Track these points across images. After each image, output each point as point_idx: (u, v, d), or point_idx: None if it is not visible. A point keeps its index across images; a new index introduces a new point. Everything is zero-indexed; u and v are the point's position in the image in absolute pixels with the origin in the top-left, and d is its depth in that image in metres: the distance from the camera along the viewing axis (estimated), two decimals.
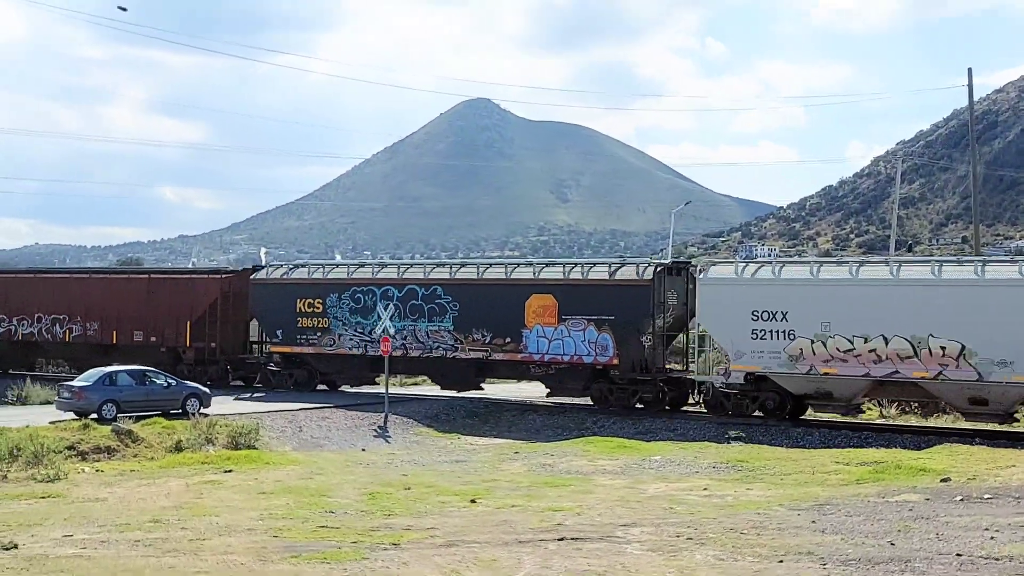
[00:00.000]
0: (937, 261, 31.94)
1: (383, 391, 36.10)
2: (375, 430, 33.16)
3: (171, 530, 18.02)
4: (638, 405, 35.15)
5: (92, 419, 30.04)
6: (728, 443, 29.15)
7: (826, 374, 31.00)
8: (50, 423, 29.35)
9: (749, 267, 33.83)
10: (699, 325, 34.32)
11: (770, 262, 35.62)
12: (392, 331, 36.65)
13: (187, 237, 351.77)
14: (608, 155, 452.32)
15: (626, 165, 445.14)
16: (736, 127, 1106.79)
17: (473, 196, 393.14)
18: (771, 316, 31.57)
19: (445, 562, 15.18)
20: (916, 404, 34.38)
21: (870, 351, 30.33)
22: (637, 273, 35.24)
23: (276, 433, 31.53)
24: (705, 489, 22.37)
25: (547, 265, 38.18)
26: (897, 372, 30.20)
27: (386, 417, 34.12)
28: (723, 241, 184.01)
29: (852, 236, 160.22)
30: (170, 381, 33.33)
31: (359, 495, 21.91)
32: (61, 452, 25.84)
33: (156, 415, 31.34)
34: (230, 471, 25.61)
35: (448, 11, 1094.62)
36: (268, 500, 21.36)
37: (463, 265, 40.35)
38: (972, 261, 31.03)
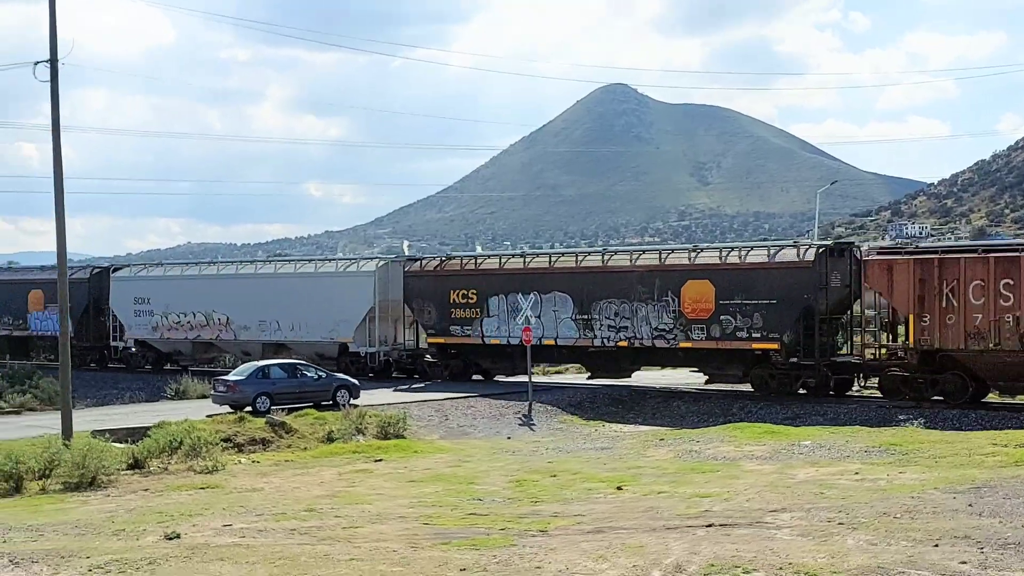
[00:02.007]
0: None
1: (538, 380, 36.23)
2: (520, 418, 33.43)
3: (325, 518, 18.50)
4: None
5: (247, 412, 31.00)
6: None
7: None
8: (207, 416, 30.37)
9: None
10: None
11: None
12: (533, 320, 36.86)
13: (333, 232, 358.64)
14: (749, 135, 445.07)
15: (768, 145, 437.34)
16: (883, 103, 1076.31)
17: (611, 182, 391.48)
18: None
19: (592, 548, 15.24)
20: None
21: None
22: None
23: (423, 422, 32.06)
24: (856, 473, 21.96)
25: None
26: None
27: (530, 405, 34.37)
28: (871, 220, 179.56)
29: (1007, 212, 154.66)
30: (320, 373, 34.16)
31: (506, 482, 22.14)
32: (218, 444, 26.69)
33: (308, 407, 32.16)
34: (380, 460, 26.16)
35: None
36: (418, 488, 21.75)
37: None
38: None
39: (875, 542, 15.01)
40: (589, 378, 39.69)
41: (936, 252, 32.62)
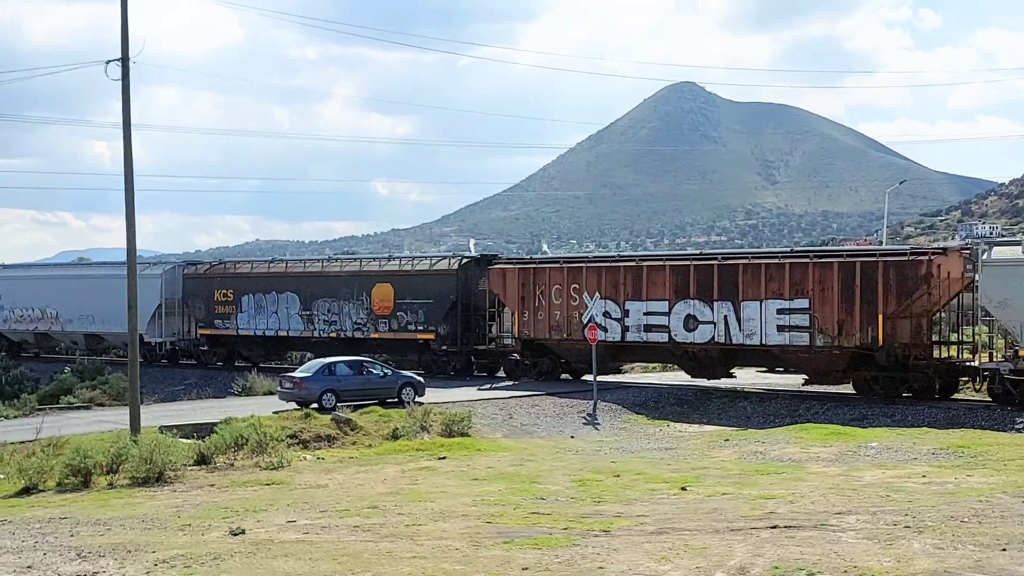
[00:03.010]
0: None
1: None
2: (584, 417, 33.36)
3: (388, 515, 18.58)
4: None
5: (313, 408, 31.24)
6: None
7: None
8: (274, 413, 30.65)
9: None
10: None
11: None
12: (599, 319, 36.78)
13: (399, 230, 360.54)
14: (817, 134, 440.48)
15: (836, 144, 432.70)
16: (954, 101, 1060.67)
17: (678, 181, 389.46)
18: None
19: (655, 549, 15.16)
20: None
21: None
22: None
23: (487, 420, 32.09)
24: (924, 476, 21.63)
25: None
26: None
27: (594, 404, 34.28)
28: (941, 220, 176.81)
29: None
30: (386, 371, 34.37)
31: (569, 482, 22.10)
32: (283, 440, 26.91)
33: (373, 404, 32.35)
34: (444, 458, 26.22)
35: None
36: (481, 486, 21.77)
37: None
38: None
39: (941, 546, 14.78)
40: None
41: (534, 263, 41.81)
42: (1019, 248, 32.17)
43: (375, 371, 33.99)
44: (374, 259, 47.91)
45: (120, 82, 27.26)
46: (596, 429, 32.18)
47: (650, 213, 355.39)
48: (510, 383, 39.90)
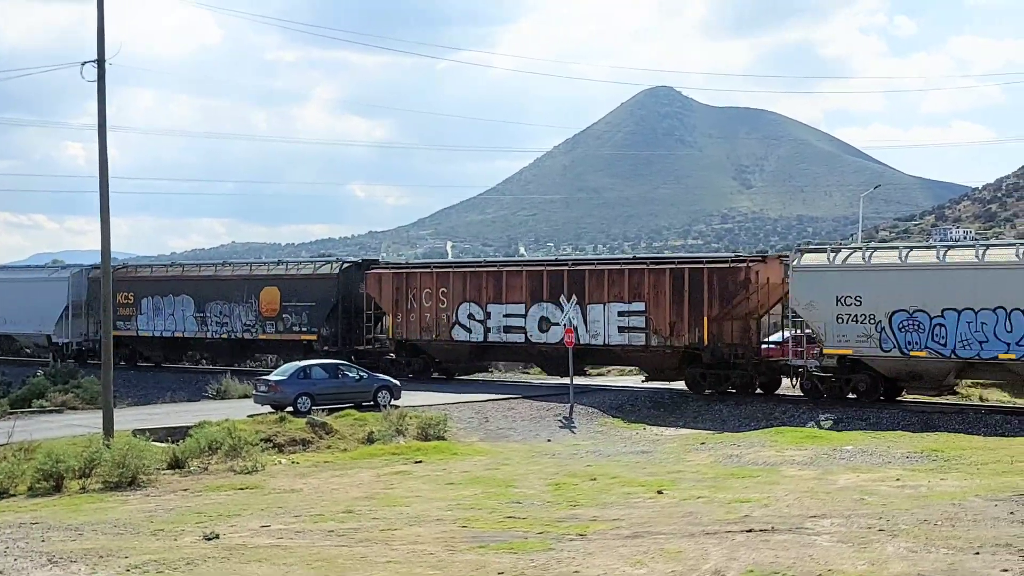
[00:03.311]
0: None
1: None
2: (560, 420, 33.35)
3: (363, 520, 18.52)
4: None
5: (288, 412, 31.11)
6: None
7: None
8: (248, 416, 30.50)
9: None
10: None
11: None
12: (575, 322, 36.80)
13: (376, 233, 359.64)
14: (792, 139, 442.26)
15: (811, 149, 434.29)
16: (928, 107, 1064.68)
17: (654, 185, 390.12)
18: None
19: (631, 553, 15.16)
20: None
21: None
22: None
23: (463, 424, 32.05)
24: (898, 480, 21.71)
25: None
26: None
27: (571, 407, 34.28)
28: (915, 224, 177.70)
29: None
30: (362, 374, 34.29)
31: (545, 485, 22.07)
32: (258, 445, 26.75)
33: (348, 407, 32.24)
34: (420, 462, 26.16)
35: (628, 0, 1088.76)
36: (456, 490, 21.73)
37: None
38: None
39: (915, 550, 14.83)
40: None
41: (407, 268, 44.60)
42: (824, 255, 34.54)
43: (351, 374, 33.91)
44: (263, 264, 50.79)
45: (96, 83, 27.09)
46: (572, 432, 32.17)
47: (626, 217, 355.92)
48: None
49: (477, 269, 42.26)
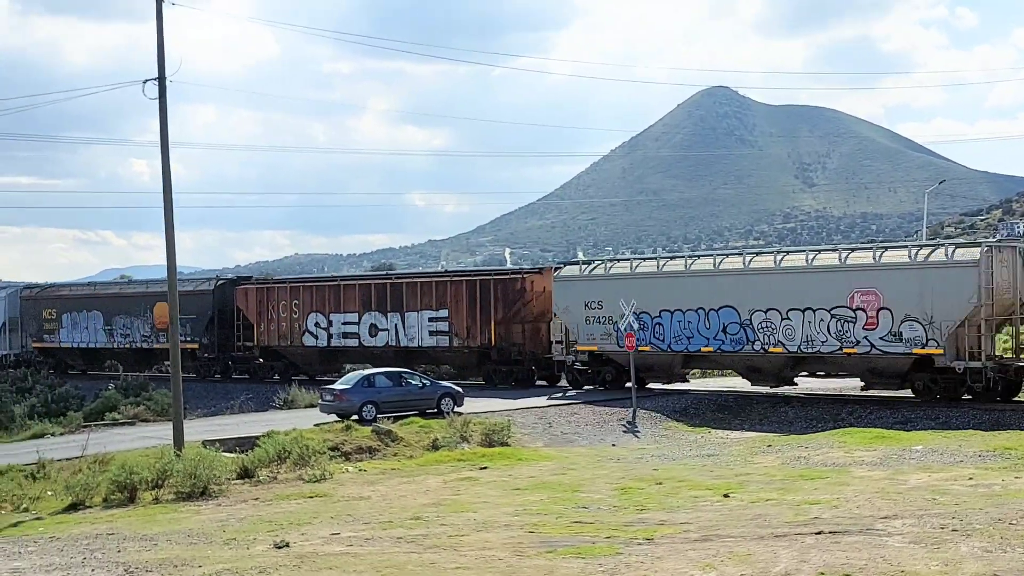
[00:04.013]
0: None
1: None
2: (624, 425, 33.28)
3: (431, 526, 18.63)
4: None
5: (353, 420, 31.35)
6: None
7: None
8: (315, 425, 30.78)
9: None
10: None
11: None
12: (636, 326, 36.64)
13: (436, 241, 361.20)
14: (854, 136, 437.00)
15: (874, 145, 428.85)
16: (992, 100, 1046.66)
17: (714, 186, 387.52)
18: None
19: (699, 557, 15.11)
20: None
21: None
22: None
23: (527, 430, 32.08)
24: (970, 479, 21.41)
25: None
26: None
27: (634, 412, 34.19)
28: (982, 220, 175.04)
29: None
30: (425, 381, 34.46)
31: (611, 490, 22.05)
32: (325, 453, 27.03)
33: (412, 415, 32.42)
34: (485, 468, 26.24)
35: (681, 0, 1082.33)
36: (522, 496, 21.78)
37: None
38: None
39: (990, 549, 14.63)
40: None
41: (267, 283, 50.84)
42: (577, 267, 41.12)
43: (414, 382, 34.09)
44: (157, 282, 54.19)
45: (157, 101, 27.52)
46: (636, 437, 32.09)
47: (687, 218, 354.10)
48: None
49: (321, 283, 49.09)
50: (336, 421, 31.63)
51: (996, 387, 32.00)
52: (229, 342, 50.96)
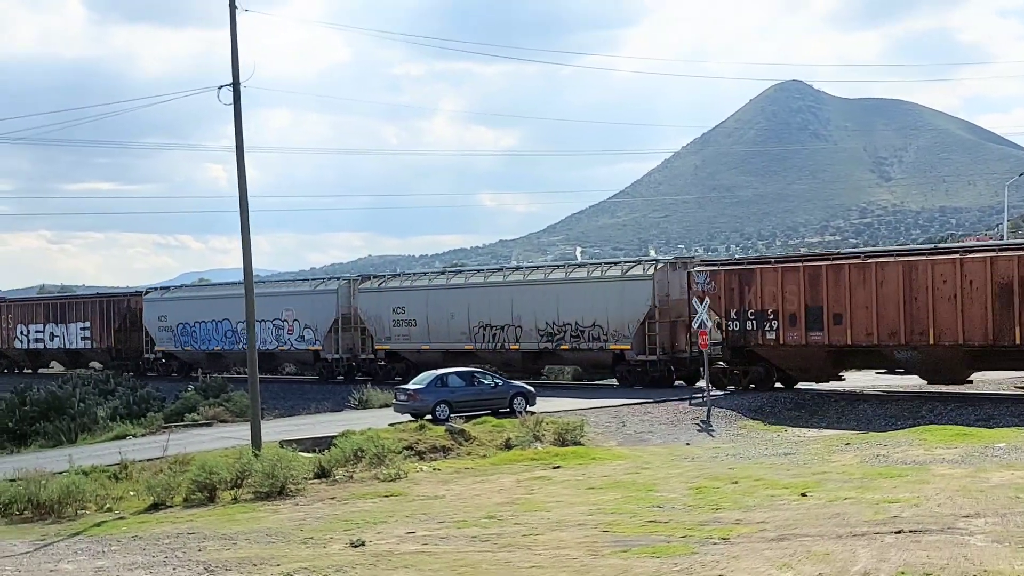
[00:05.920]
0: None
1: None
2: (698, 424, 33.07)
3: (505, 525, 18.66)
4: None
5: (427, 420, 31.52)
6: None
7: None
8: (389, 425, 31.00)
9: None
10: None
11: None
12: (709, 324, 36.29)
13: (506, 241, 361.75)
14: (931, 128, 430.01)
15: (951, 137, 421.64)
16: None
17: (787, 181, 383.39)
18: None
19: (776, 556, 14.96)
20: None
21: None
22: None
23: (600, 429, 32.01)
24: None
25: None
26: None
27: (708, 410, 33.94)
28: None
29: None
30: (497, 381, 34.53)
31: (686, 489, 21.92)
32: (400, 452, 27.21)
33: (485, 414, 32.52)
34: (558, 467, 26.22)
35: None
36: (596, 495, 21.73)
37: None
38: None
39: None
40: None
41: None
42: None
43: (486, 381, 34.18)
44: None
45: (232, 106, 27.88)
46: (711, 436, 31.87)
47: (760, 215, 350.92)
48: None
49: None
50: (410, 421, 31.83)
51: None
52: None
